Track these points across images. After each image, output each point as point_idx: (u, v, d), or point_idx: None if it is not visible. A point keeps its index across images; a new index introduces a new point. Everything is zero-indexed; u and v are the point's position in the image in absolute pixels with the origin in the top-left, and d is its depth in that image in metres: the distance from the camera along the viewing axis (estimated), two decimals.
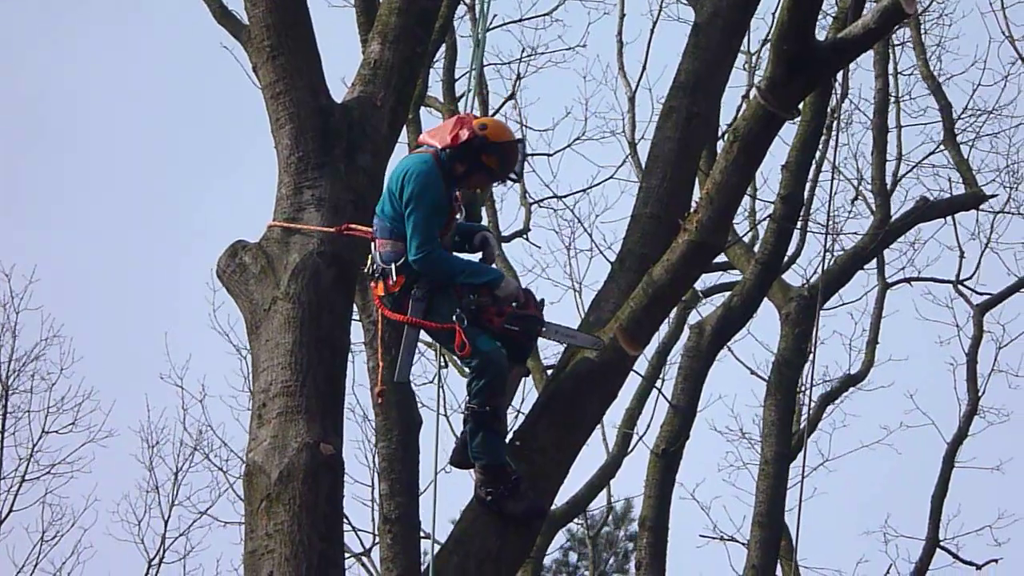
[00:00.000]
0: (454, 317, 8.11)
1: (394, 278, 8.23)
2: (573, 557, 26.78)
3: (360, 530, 18.19)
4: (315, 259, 8.69)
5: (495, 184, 8.55)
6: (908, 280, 19.02)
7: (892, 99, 17.88)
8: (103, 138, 34.75)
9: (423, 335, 8.46)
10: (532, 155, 19.27)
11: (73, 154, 33.64)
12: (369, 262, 8.42)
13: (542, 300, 8.45)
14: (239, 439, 22.62)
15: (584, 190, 19.23)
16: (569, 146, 19.32)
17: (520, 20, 18.73)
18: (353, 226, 8.66)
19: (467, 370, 8.24)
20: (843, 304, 18.49)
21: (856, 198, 18.23)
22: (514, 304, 8.31)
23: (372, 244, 8.40)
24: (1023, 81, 18.33)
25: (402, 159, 8.46)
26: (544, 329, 8.42)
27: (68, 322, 23.92)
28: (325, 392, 8.44)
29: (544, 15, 18.85)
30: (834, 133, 16.20)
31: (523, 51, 18.94)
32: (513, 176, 8.48)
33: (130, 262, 32.21)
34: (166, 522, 21.76)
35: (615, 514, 24.20)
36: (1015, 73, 18.41)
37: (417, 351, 8.47)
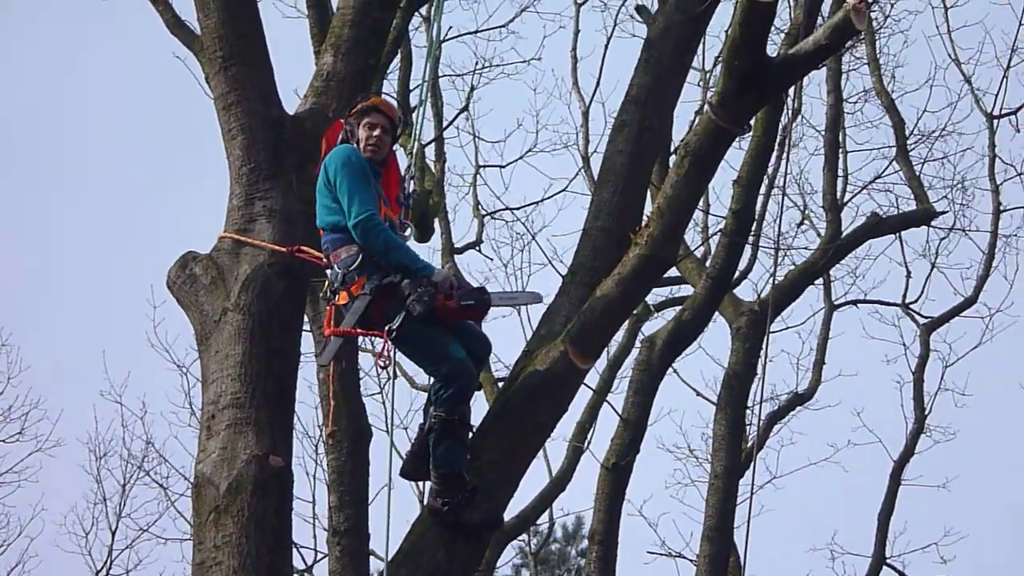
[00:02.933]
0: (407, 303, 8.06)
1: (356, 278, 8.20)
2: (525, 574, 26.71)
3: (302, 546, 18.08)
4: (266, 270, 8.66)
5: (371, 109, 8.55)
6: (855, 302, 19.09)
7: (848, 116, 17.99)
8: (49, 152, 34.50)
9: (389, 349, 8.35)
10: (485, 167, 19.33)
11: (20, 166, 33.42)
12: (327, 285, 8.38)
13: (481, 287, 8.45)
14: (180, 456, 22.48)
15: (537, 203, 19.25)
16: (521, 158, 19.37)
17: (476, 32, 18.74)
18: (305, 249, 8.64)
19: (435, 379, 8.18)
20: (788, 328, 18.56)
21: (802, 222, 18.29)
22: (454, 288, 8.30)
23: (327, 266, 8.35)
24: (965, 104, 18.32)
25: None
26: (491, 297, 8.39)
27: (16, 331, 23.66)
28: (275, 404, 8.40)
29: (500, 27, 18.88)
30: (785, 150, 16.25)
31: (477, 63, 18.97)
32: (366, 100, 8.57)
33: (75, 275, 32.04)
34: (113, 534, 21.55)
35: (566, 531, 24.12)
36: (963, 95, 18.46)
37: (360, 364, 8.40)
